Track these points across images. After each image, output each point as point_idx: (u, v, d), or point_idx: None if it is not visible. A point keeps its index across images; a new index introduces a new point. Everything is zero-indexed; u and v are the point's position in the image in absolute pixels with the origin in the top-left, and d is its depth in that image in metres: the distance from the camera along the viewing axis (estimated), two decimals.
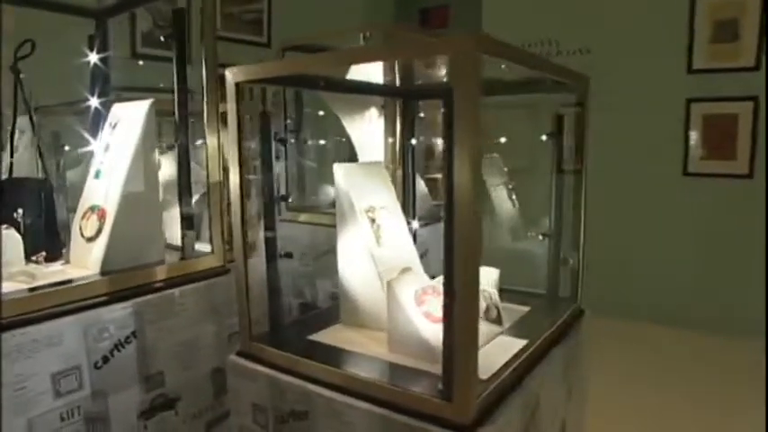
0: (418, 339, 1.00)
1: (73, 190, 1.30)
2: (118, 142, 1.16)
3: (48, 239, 1.12)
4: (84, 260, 1.12)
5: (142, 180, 1.13)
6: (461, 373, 0.81)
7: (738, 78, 3.06)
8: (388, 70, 1.63)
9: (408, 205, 1.54)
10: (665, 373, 2.64)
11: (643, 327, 3.13)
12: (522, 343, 1.05)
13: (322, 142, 2.07)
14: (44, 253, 1.09)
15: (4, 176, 1.26)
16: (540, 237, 1.29)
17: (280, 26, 3.75)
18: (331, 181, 1.18)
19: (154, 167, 1.16)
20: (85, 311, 0.96)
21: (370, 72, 1.60)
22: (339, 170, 1.17)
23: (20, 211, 1.15)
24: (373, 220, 1.18)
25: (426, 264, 1.36)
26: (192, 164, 1.20)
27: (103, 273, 1.07)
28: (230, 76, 1.03)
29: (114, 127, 1.19)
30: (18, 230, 1.15)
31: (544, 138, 1.22)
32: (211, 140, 1.16)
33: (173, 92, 1.14)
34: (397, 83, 1.50)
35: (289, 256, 1.10)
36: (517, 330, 1.14)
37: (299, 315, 1.33)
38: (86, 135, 1.31)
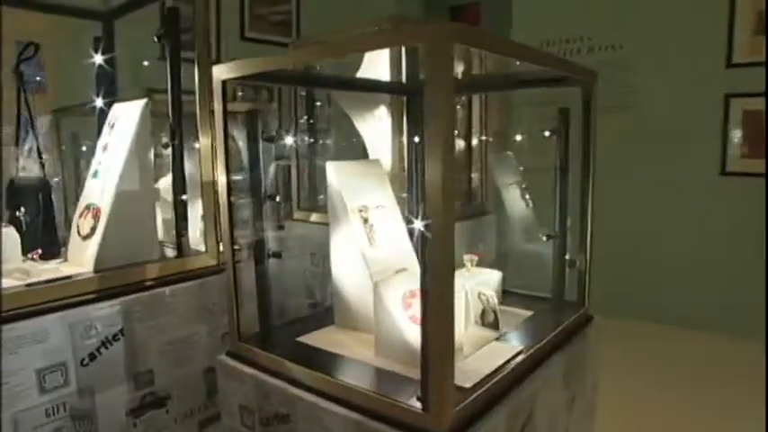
0: (404, 344, 0.97)
1: None
2: (115, 142, 1.18)
3: (45, 237, 1.14)
4: (81, 258, 1.13)
5: (136, 179, 1.14)
6: (437, 382, 0.77)
7: None
8: (395, 67, 1.61)
9: (414, 204, 1.51)
10: (696, 378, 2.54)
11: (675, 331, 3.02)
12: (516, 349, 1.00)
13: (329, 142, 2.06)
14: (39, 251, 1.11)
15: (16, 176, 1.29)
16: (545, 238, 1.23)
17: (308, 28, 3.76)
18: None
19: (149, 166, 1.17)
20: (72, 309, 0.97)
21: (379, 69, 1.58)
22: (331, 168, 1.15)
23: (22, 209, 1.18)
24: (366, 220, 1.15)
25: None
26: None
27: (97, 270, 1.08)
28: (217, 73, 1.02)
29: (113, 126, 1.20)
30: (20, 228, 1.18)
31: (547, 134, 1.17)
32: (204, 140, 1.16)
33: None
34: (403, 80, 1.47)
35: (277, 256, 1.08)
36: (514, 336, 1.09)
37: (298, 315, 1.31)
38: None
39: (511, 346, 1.01)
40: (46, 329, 0.94)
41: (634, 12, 3.34)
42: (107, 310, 1.02)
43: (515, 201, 1.64)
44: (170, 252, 1.23)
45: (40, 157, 1.20)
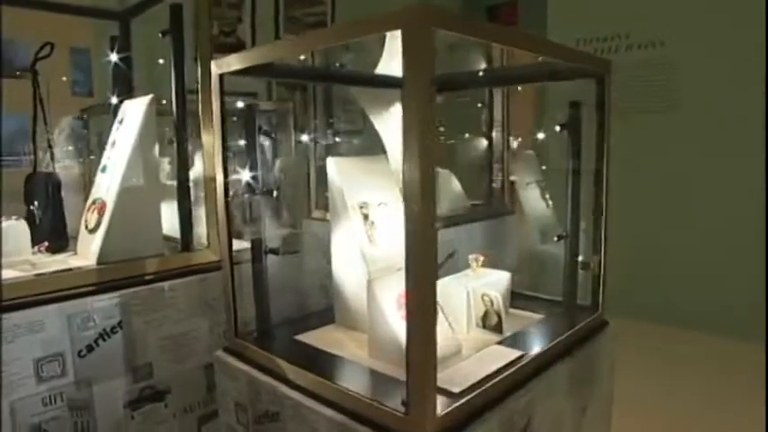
0: (397, 344, 0.93)
1: None
2: (122, 138, 1.19)
3: (54, 231, 1.17)
4: (87, 251, 1.15)
5: (140, 174, 1.15)
6: (417, 386, 0.74)
7: None
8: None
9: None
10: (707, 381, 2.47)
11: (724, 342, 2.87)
12: (515, 354, 0.95)
13: (356, 141, 2.04)
14: (46, 243, 1.14)
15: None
16: (555, 239, 1.17)
17: None
18: None
19: (153, 162, 1.18)
20: (70, 300, 0.98)
21: (392, 64, 1.55)
22: (332, 164, 1.13)
23: (35, 203, 1.21)
24: (366, 217, 1.12)
25: (453, 265, 1.28)
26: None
27: (100, 263, 1.10)
28: (215, 67, 1.02)
29: (121, 123, 1.22)
30: (33, 222, 1.21)
31: (558, 129, 1.11)
32: (207, 137, 1.16)
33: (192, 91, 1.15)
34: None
35: (275, 252, 1.07)
36: (518, 340, 1.04)
37: (306, 313, 1.29)
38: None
39: (511, 351, 0.96)
40: (43, 320, 0.95)
41: (676, 6, 3.18)
42: (105, 302, 1.03)
43: (535, 201, 1.58)
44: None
45: (51, 153, 1.23)
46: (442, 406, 0.78)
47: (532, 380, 0.93)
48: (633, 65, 3.36)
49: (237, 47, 3.13)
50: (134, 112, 1.18)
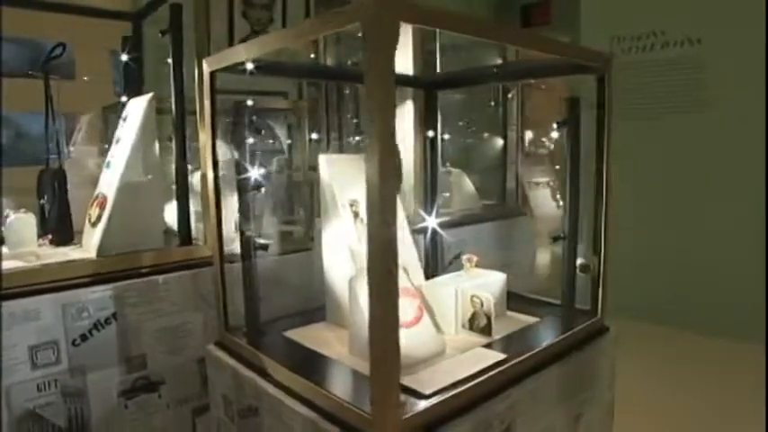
0: None
1: None
2: (125, 135, 1.23)
3: (59, 224, 1.21)
4: (89, 244, 1.19)
5: (140, 170, 1.18)
6: (379, 386, 0.72)
7: None
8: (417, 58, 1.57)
9: (427, 202, 1.45)
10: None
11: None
12: (498, 357, 0.92)
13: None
14: (50, 236, 1.18)
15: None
16: (552, 240, 1.14)
17: None
18: None
19: (153, 158, 1.21)
20: (64, 291, 1.01)
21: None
22: (323, 161, 1.13)
23: (45, 197, 1.26)
24: (356, 214, 1.12)
25: (458, 266, 1.26)
26: None
27: (99, 256, 1.13)
28: (206, 65, 1.03)
29: (125, 120, 1.26)
30: (44, 215, 1.26)
31: (555, 126, 1.07)
32: (203, 136, 1.18)
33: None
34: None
35: (263, 248, 1.08)
36: (506, 343, 1.01)
37: (302, 309, 1.30)
38: None
39: (494, 354, 0.94)
40: (38, 308, 0.99)
41: (715, 2, 3.04)
42: (100, 294, 1.06)
43: (544, 201, 1.54)
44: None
45: (58, 149, 1.28)
46: (410, 407, 0.76)
47: (514, 385, 0.90)
48: (667, 65, 3.24)
49: None
50: (136, 110, 1.22)
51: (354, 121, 2.04)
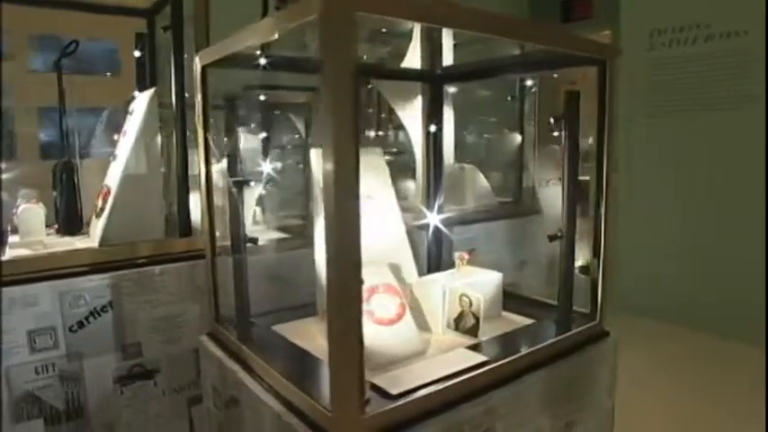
0: None
1: None
2: (129, 129, 1.26)
3: (66, 214, 1.26)
4: (94, 234, 1.23)
5: (143, 163, 1.21)
6: (337, 384, 0.71)
7: None
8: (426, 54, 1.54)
9: (430, 199, 1.43)
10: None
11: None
12: (479, 359, 0.90)
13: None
14: (56, 225, 1.23)
15: None
16: (548, 239, 1.09)
17: None
18: None
19: (155, 152, 1.23)
20: (62, 279, 1.05)
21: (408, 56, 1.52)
22: (314, 155, 1.12)
23: (57, 188, 1.31)
24: None
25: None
26: None
27: (101, 246, 1.17)
28: (198, 60, 1.05)
29: (131, 114, 1.29)
30: (55, 206, 1.31)
31: (552, 121, 1.03)
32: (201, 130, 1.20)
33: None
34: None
35: (253, 242, 1.08)
36: (491, 345, 0.98)
37: (300, 303, 1.30)
38: None
39: (475, 356, 0.91)
40: (36, 295, 1.03)
41: None
42: (96, 282, 1.10)
43: (554, 199, 1.48)
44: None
45: (67, 142, 1.33)
46: (375, 407, 0.75)
47: (493, 389, 0.87)
48: (712, 59, 3.08)
49: None
50: (140, 104, 1.25)
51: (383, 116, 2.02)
